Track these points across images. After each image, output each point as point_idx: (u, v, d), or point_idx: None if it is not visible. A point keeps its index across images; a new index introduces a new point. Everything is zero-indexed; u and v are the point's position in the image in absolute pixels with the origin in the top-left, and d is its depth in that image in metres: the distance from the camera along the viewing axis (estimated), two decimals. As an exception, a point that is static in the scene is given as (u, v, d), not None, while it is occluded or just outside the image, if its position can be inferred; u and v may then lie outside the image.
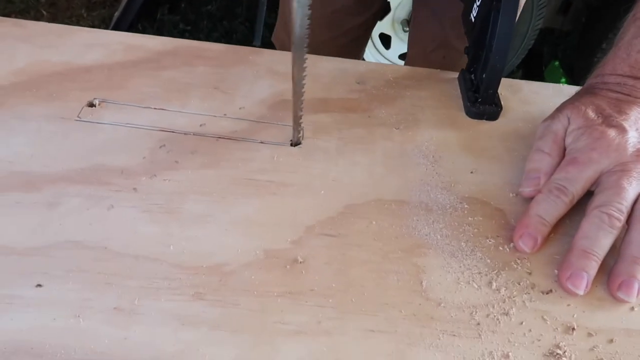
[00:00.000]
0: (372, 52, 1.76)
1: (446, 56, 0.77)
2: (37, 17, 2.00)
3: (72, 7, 2.13)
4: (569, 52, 1.83)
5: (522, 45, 1.60)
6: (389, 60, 1.74)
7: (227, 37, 2.08)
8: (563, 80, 1.76)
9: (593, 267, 0.36)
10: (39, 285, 0.33)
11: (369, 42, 1.73)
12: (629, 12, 0.45)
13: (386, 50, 1.74)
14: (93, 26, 2.01)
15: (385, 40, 1.73)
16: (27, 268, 0.34)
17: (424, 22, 0.79)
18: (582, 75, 1.64)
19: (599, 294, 0.36)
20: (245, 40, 2.05)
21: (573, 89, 0.50)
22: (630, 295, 0.35)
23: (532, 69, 1.90)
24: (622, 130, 0.40)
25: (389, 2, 1.63)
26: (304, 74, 0.38)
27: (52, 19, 2.03)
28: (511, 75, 1.79)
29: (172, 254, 0.35)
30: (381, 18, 1.67)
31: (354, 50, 0.89)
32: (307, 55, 0.37)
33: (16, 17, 1.94)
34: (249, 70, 0.51)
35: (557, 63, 1.83)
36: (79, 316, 0.32)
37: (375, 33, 1.72)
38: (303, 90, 0.40)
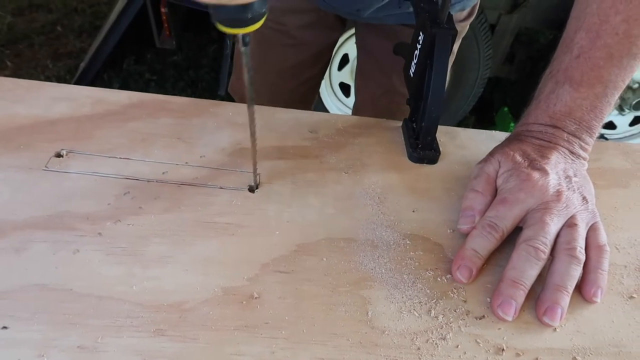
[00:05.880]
0: (333, 100, 1.84)
1: (392, 101, 0.82)
2: (1, 68, 2.00)
3: (37, 57, 2.13)
4: (516, 99, 1.96)
5: (472, 93, 1.71)
6: (348, 107, 1.82)
7: (193, 87, 2.12)
8: (512, 124, 1.88)
9: (521, 295, 0.40)
10: (5, 328, 0.34)
11: (330, 90, 1.82)
12: (546, 69, 0.51)
13: (346, 99, 1.83)
14: (59, 77, 2.01)
15: (345, 89, 1.82)
16: (-6, 311, 0.35)
17: (369, 71, 0.85)
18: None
19: (526, 318, 0.40)
20: (210, 89, 2.10)
21: (503, 135, 0.56)
22: (554, 320, 0.39)
23: (484, 115, 2.02)
24: (545, 173, 0.45)
25: (347, 54, 1.73)
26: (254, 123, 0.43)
27: (17, 69, 2.02)
28: (464, 121, 1.91)
29: (135, 294, 0.37)
30: (340, 69, 1.76)
31: (312, 95, 0.96)
32: (266, 107, 0.41)
33: (-20, 68, 1.94)
34: (209, 121, 0.55)
35: (506, 109, 1.95)
36: (43, 355, 0.33)
37: (335, 82, 1.80)
38: (255, 142, 0.44)
